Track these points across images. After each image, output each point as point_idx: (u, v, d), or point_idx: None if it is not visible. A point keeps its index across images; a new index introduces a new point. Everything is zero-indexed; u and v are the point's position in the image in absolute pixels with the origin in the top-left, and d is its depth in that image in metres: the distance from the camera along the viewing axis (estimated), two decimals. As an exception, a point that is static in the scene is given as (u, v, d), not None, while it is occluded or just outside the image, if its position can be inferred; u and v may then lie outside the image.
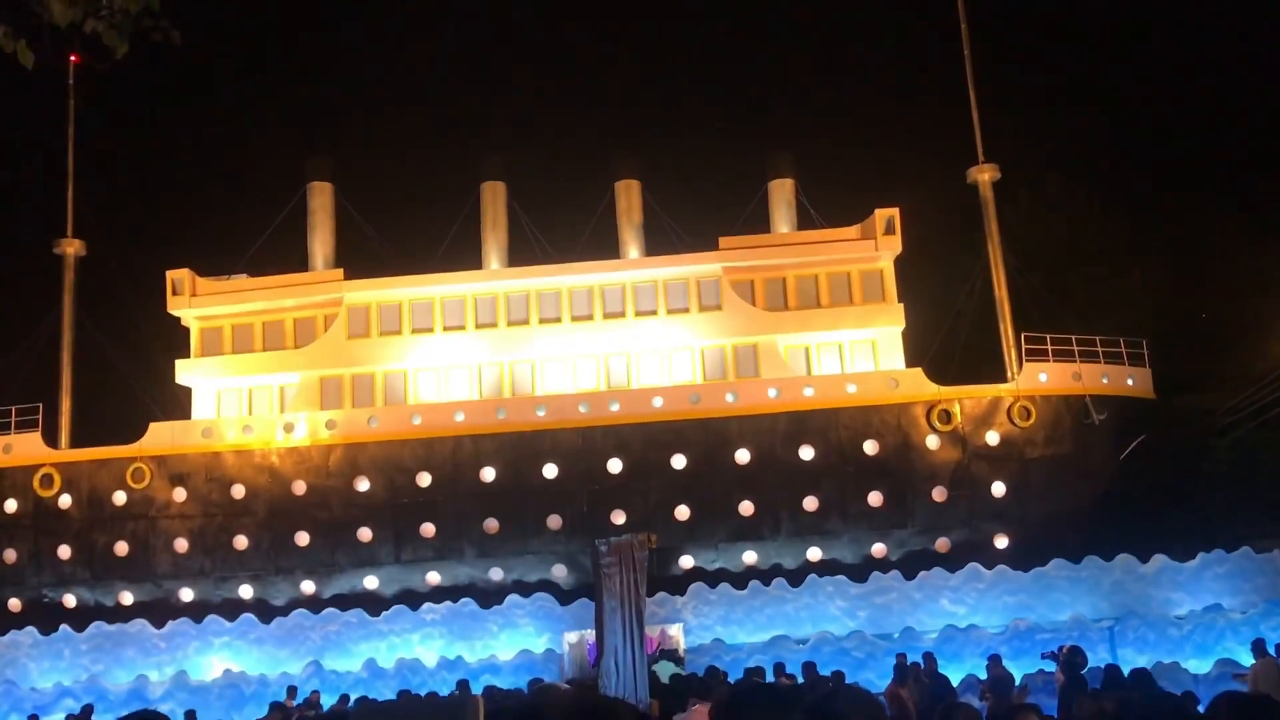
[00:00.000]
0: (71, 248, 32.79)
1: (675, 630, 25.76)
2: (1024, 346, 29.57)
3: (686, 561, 28.44)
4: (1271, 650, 18.52)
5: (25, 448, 29.51)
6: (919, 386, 28.96)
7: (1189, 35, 55.13)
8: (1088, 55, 55.04)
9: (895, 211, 30.68)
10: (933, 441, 28.54)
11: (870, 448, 28.53)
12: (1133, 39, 55.55)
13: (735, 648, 24.71)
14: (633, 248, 32.31)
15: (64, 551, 28.96)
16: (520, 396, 30.10)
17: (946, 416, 28.52)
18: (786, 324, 30.78)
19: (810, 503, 28.40)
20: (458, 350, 30.86)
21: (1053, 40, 54.93)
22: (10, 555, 29.00)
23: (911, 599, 25.97)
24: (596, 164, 34.34)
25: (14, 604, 28.92)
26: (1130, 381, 30.00)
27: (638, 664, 6.81)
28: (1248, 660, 20.60)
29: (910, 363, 30.40)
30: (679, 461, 28.60)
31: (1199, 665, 23.01)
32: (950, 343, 31.51)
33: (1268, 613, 24.16)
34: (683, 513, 28.49)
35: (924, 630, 24.81)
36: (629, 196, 32.71)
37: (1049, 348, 29.47)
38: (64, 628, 27.24)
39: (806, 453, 28.56)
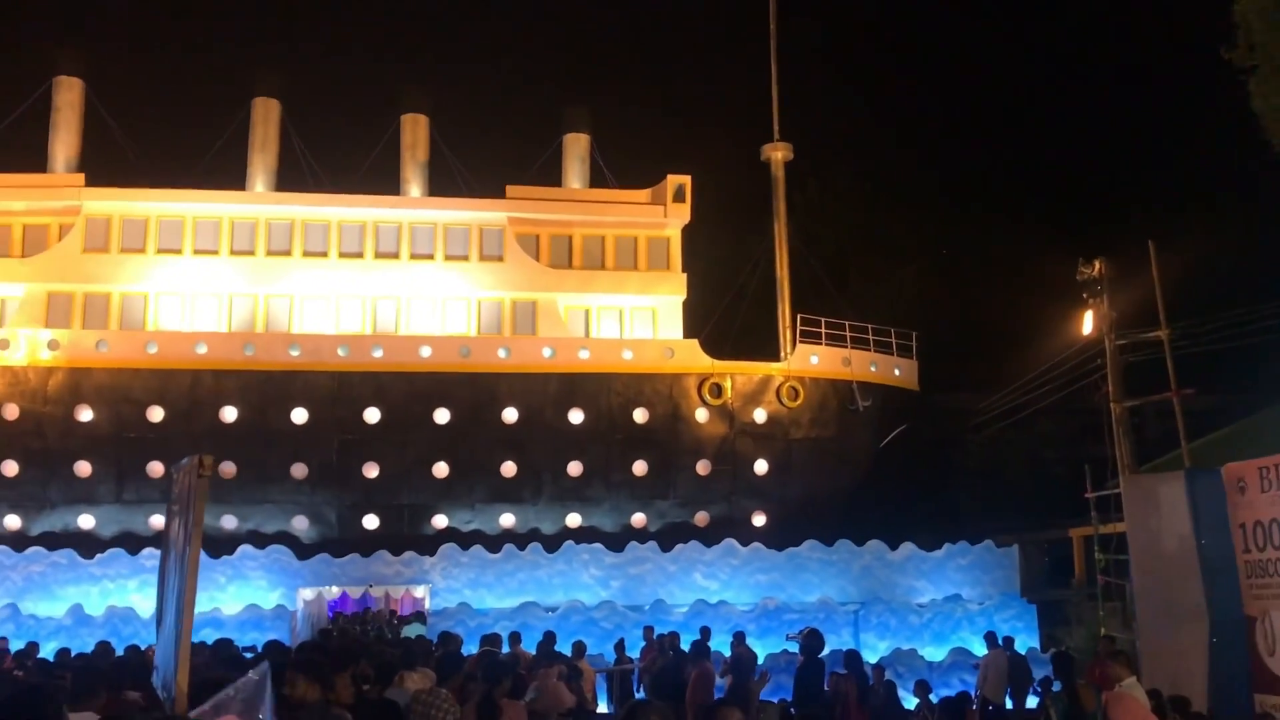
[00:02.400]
0: None
1: (421, 591, 24.55)
2: (799, 328, 29.63)
3: (440, 521, 27.16)
4: (1000, 642, 18.93)
5: None
6: (694, 358, 28.57)
7: (986, 48, 57.36)
8: (890, 57, 56.46)
9: (687, 179, 30.13)
10: (702, 415, 28.23)
11: (640, 416, 27.95)
12: (933, 48, 57.35)
13: (481, 612, 23.72)
14: (415, 186, 30.51)
15: None
16: (273, 333, 27.89)
17: (717, 390, 28.25)
18: (569, 283, 29.79)
19: (575, 468, 27.61)
20: (208, 276, 28.30)
21: (858, 38, 56.02)
22: None
23: (666, 571, 25.55)
24: (385, 94, 32.27)
25: None
26: (897, 372, 30.57)
27: (170, 637, 5.56)
28: (980, 650, 21.11)
29: (688, 334, 30.00)
30: (442, 416, 27.20)
31: (935, 653, 23.56)
32: (729, 318, 31.35)
33: (1002, 605, 25.03)
34: (441, 470, 27.15)
35: (675, 604, 24.45)
36: (415, 131, 30.87)
37: (823, 331, 29.65)
38: None
39: (576, 416, 27.71)
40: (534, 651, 15.49)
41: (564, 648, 16.56)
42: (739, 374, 28.72)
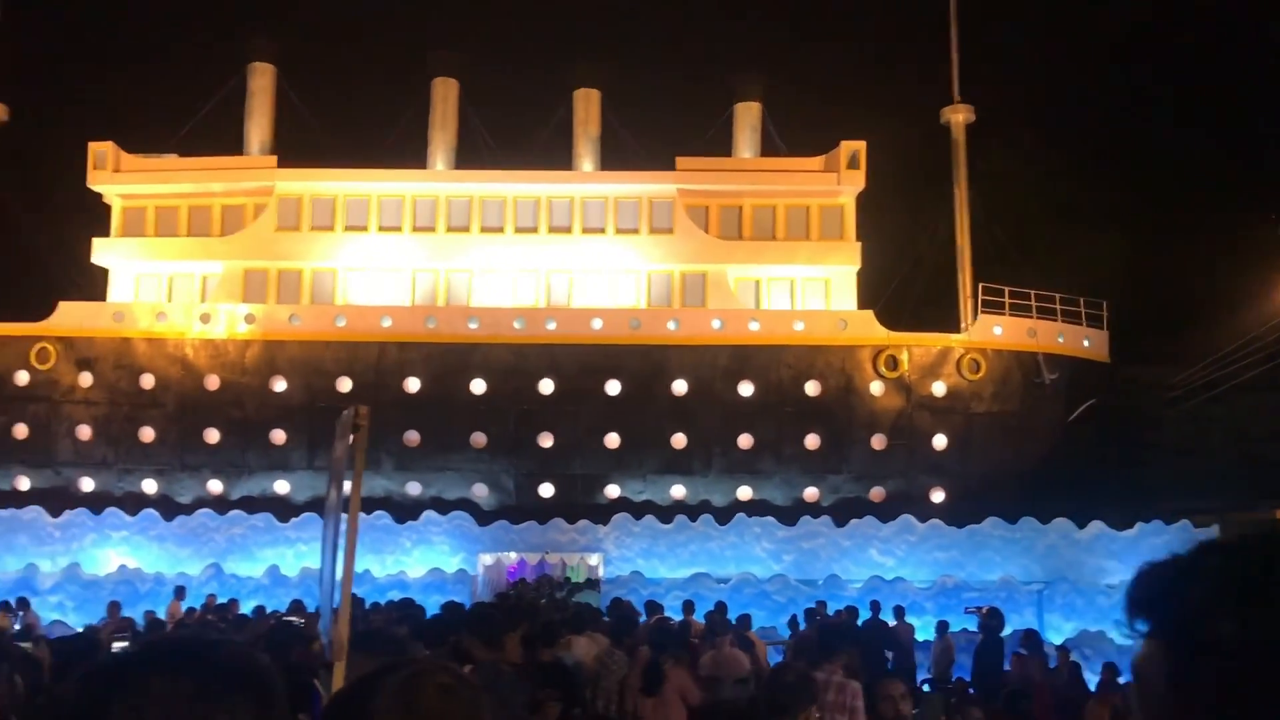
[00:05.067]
0: (-8, 111, 30.73)
1: (595, 559, 24.89)
2: (980, 298, 28.55)
3: (612, 490, 27.44)
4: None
5: (-78, 318, 27.76)
6: (868, 330, 27.90)
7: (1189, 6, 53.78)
8: (1077, 11, 53.57)
9: (862, 145, 29.37)
10: (877, 387, 27.56)
11: (812, 389, 27.51)
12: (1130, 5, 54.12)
13: (654, 582, 23.84)
14: (587, 161, 30.80)
15: (-42, 430, 27.38)
16: (453, 306, 28.70)
17: (893, 363, 27.52)
18: (739, 254, 29.53)
19: (745, 440, 27.41)
20: (392, 252, 29.33)
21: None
22: (-99, 429, 27.40)
23: (840, 546, 25.16)
24: (558, 70, 32.59)
25: (-98, 480, 27.40)
26: (1086, 343, 29.13)
27: (326, 578, 5.64)
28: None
29: (862, 305, 29.32)
30: (613, 387, 27.44)
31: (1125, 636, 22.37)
32: (906, 288, 30.43)
33: (1199, 588, 23.56)
34: (612, 440, 27.41)
35: (849, 579, 24.03)
36: (587, 107, 31.12)
37: (1006, 300, 28.48)
38: (-46, 509, 25.85)
39: (746, 389, 27.49)
40: (704, 621, 15.46)
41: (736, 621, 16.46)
42: (916, 346, 27.90)
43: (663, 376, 27.47)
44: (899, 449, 27.44)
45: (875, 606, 17.40)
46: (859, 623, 16.33)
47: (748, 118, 31.26)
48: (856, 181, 29.37)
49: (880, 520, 25.43)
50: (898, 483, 27.49)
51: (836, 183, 29.39)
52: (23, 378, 27.52)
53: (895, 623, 17.35)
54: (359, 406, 5.26)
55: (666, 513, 26.25)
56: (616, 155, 31.09)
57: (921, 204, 36.24)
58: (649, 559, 25.07)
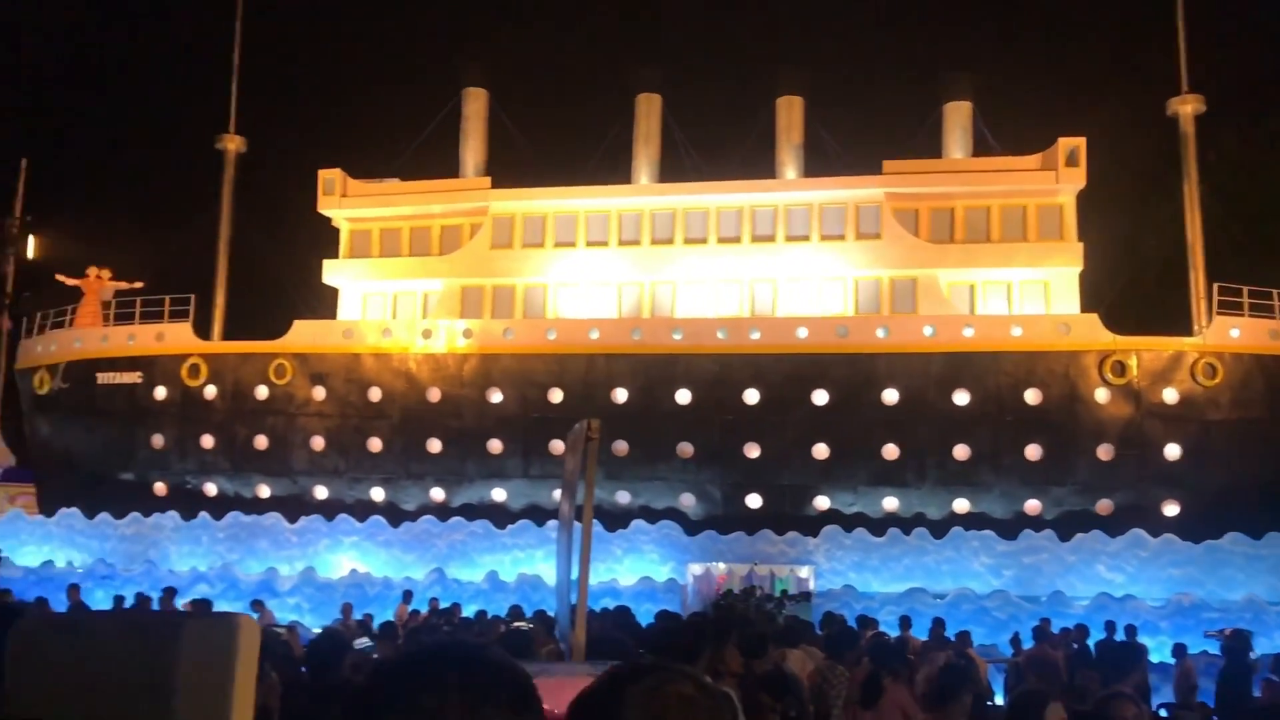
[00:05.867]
0: (233, 144, 33.16)
1: (806, 572, 24.59)
2: (1215, 298, 26.71)
3: (822, 502, 27.06)
4: None
5: (176, 337, 30.15)
6: (1093, 334, 26.53)
7: None
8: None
9: (1081, 141, 28.00)
10: (1102, 395, 26.16)
11: (1032, 397, 26.36)
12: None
13: (867, 596, 23.34)
14: (790, 169, 30.59)
15: (207, 441, 29.57)
16: (658, 318, 29.03)
17: (1120, 369, 26.06)
18: (951, 258, 28.66)
19: (961, 451, 26.52)
20: (600, 267, 29.94)
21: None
22: (158, 440, 29.81)
23: (1064, 561, 24.02)
24: (759, 79, 32.57)
25: (159, 488, 29.79)
26: (1338, 344, 26.79)
27: (564, 587, 5.65)
28: None
29: (1085, 308, 27.91)
30: (820, 397, 27.08)
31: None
32: (1133, 290, 28.83)
33: None
34: (821, 451, 27.04)
35: (1075, 596, 22.85)
36: (790, 114, 30.93)
37: (1245, 300, 26.53)
38: (203, 514, 27.93)
39: (961, 397, 26.61)
40: (925, 638, 15.02)
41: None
42: (1145, 350, 26.33)
43: (872, 385, 26.92)
44: (1128, 459, 25.93)
45: (1110, 627, 16.46)
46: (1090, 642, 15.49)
47: (958, 117, 30.33)
48: (1076, 179, 28.02)
49: (1108, 535, 24.10)
50: (1127, 495, 25.98)
51: (1055, 181, 28.13)
52: (262, 392, 29.50)
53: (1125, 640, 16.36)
54: (591, 420, 5.34)
55: (879, 525, 25.69)
56: (820, 161, 30.77)
57: (1147, 201, 34.29)
58: (861, 572, 24.59)
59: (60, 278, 31.20)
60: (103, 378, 30.08)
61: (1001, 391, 26.54)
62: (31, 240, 28.90)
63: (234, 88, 33.20)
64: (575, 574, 5.38)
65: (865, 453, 26.85)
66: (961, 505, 26.53)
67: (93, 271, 31.53)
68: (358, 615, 20.08)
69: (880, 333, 27.30)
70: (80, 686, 2.98)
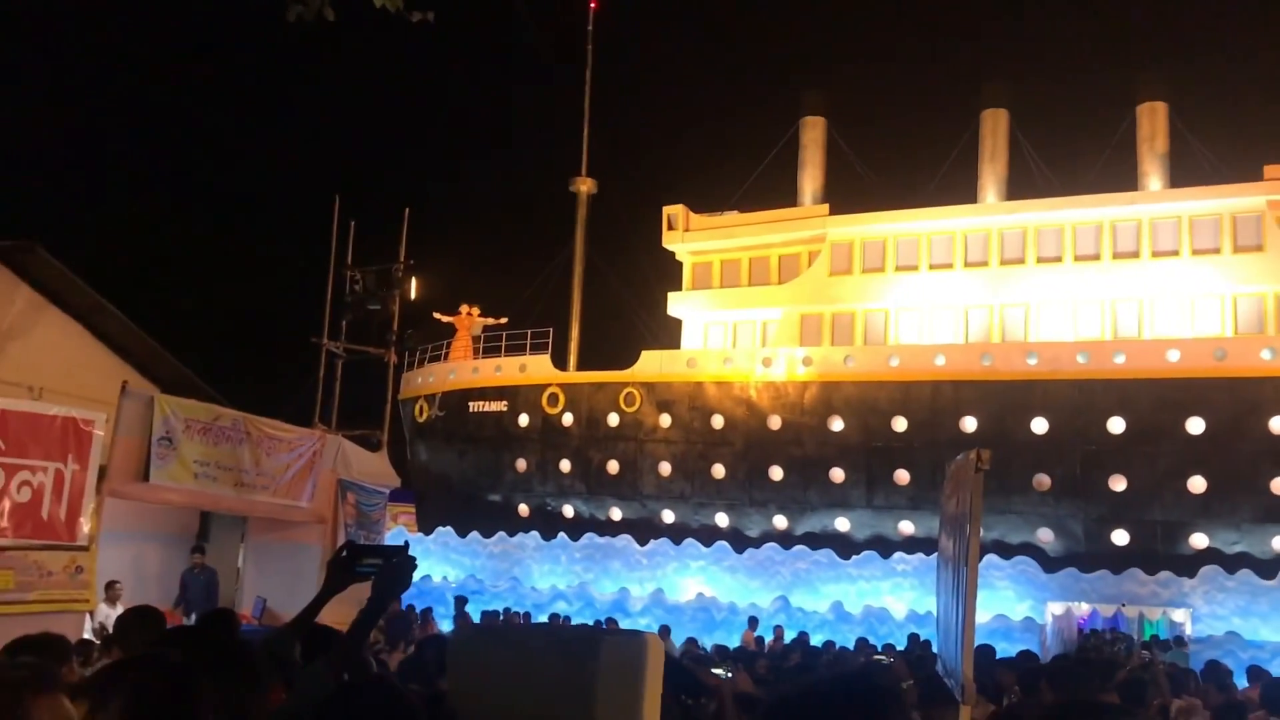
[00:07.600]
0: (584, 186, 35.14)
1: (1181, 615, 22.54)
2: None
3: (1199, 540, 24.73)
4: None
5: (537, 368, 32.18)
6: None
7: None
8: None
9: None
10: None
11: None
12: None
13: (1255, 645, 21.06)
14: (1154, 179, 28.42)
15: (565, 465, 31.29)
16: (1010, 342, 27.73)
17: None
18: (1352, 270, 25.52)
19: (1367, 486, 23.43)
20: (943, 290, 29.06)
21: None
22: (521, 464, 31.88)
23: None
24: (1116, 87, 30.60)
25: (523, 509, 31.81)
26: None
27: (953, 629, 5.35)
28: None
29: None
30: (1195, 426, 24.80)
31: None
32: None
33: None
34: (1197, 484, 24.74)
35: None
36: (1153, 121, 28.78)
37: None
38: (562, 535, 29.47)
39: (1367, 426, 23.54)
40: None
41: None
42: None
43: (1257, 413, 24.35)
44: None
45: None
46: None
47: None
48: None
49: None
50: None
51: None
52: (614, 419, 30.86)
53: None
54: (980, 450, 5.16)
55: (1267, 567, 23.13)
56: (1188, 171, 28.43)
57: None
58: (1247, 618, 22.20)
59: (438, 315, 34.26)
60: (473, 406, 32.60)
61: None
62: (414, 282, 31.88)
63: (585, 133, 35.25)
64: (959, 612, 5.21)
65: (1250, 486, 24.31)
66: (1372, 548, 23.41)
67: (464, 309, 34.37)
68: (706, 642, 20.42)
69: (1266, 354, 24.67)
70: (512, 690, 3.24)
